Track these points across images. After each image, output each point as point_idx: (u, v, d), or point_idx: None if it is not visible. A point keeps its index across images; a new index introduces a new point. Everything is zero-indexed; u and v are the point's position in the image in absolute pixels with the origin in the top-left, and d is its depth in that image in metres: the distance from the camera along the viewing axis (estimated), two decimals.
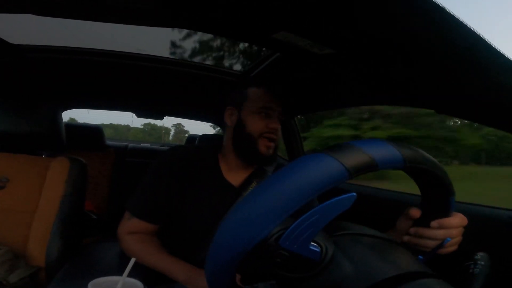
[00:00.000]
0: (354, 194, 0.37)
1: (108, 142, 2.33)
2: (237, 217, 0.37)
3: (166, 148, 2.49)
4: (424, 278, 0.41)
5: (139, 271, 0.73)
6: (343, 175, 0.37)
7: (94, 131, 2.20)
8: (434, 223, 0.54)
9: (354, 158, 0.37)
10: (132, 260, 0.65)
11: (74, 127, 2.20)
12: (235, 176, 1.01)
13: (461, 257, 0.53)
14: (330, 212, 0.37)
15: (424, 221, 0.56)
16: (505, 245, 0.88)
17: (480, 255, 0.51)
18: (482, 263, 0.49)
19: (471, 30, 0.52)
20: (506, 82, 0.61)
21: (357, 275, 0.39)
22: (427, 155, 0.45)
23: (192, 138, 2.40)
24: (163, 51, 1.37)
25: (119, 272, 0.63)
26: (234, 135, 1.00)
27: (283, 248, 0.38)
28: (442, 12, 0.50)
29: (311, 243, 0.39)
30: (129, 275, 0.63)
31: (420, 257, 0.55)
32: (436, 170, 0.45)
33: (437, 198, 0.52)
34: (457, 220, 0.55)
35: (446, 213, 0.53)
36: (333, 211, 0.37)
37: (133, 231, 0.96)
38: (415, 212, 0.57)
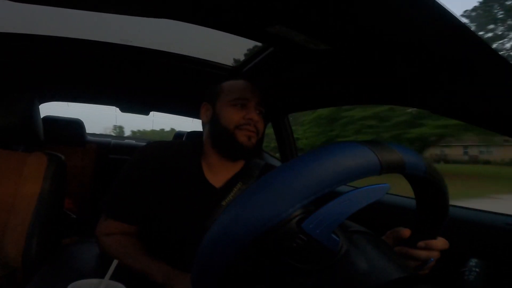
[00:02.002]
0: (388, 185, 0.38)
1: (90, 138, 2.30)
2: (263, 190, 0.36)
3: None
4: (430, 285, 0.42)
5: (122, 273, 0.72)
6: (376, 169, 0.38)
7: (74, 125, 2.17)
8: (421, 243, 0.56)
9: (388, 155, 0.39)
10: (115, 262, 0.65)
11: (53, 121, 2.16)
12: (217, 177, 0.99)
13: (455, 263, 0.54)
14: (362, 199, 0.38)
15: (410, 241, 0.58)
16: (501, 252, 0.90)
17: (474, 261, 0.52)
18: (477, 270, 0.51)
19: (471, 31, 0.53)
20: (504, 84, 0.63)
21: (370, 272, 0.40)
22: (440, 172, 0.47)
23: (180, 135, 2.38)
24: (150, 42, 1.35)
25: (101, 274, 0.62)
26: (211, 131, 0.98)
27: (303, 233, 0.38)
28: (442, 11, 0.51)
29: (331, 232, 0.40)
30: (112, 278, 0.62)
31: None
32: (444, 188, 0.47)
33: (433, 218, 0.53)
34: (441, 243, 0.58)
35: (434, 235, 0.55)
36: (365, 199, 0.38)
37: (110, 233, 0.94)
38: (406, 233, 0.59)
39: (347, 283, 0.40)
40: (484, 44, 0.55)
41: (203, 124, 1.04)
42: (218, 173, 0.99)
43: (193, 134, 1.97)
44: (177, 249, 0.92)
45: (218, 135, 0.96)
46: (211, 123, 0.99)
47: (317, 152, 0.38)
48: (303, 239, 0.39)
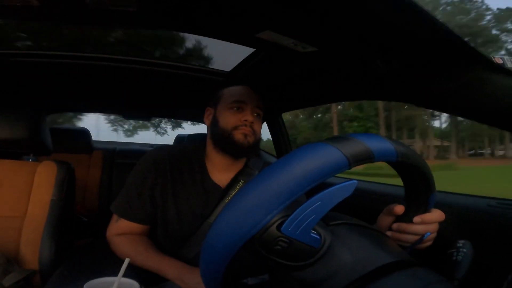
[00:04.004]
0: (355, 181, 0.38)
1: (96, 145, 2.30)
2: (242, 202, 0.37)
3: None
4: (416, 266, 0.42)
5: (134, 271, 0.72)
6: (344, 164, 0.38)
7: (81, 134, 2.17)
8: (416, 218, 0.56)
9: (354, 148, 0.39)
10: (127, 260, 0.65)
11: (60, 131, 2.15)
12: (222, 176, 1.00)
13: (444, 245, 0.54)
14: (332, 198, 0.38)
15: (405, 217, 0.57)
16: (484, 232, 0.91)
17: (462, 242, 0.53)
18: (464, 250, 0.51)
19: (445, 26, 0.53)
20: (479, 76, 0.63)
21: (355, 262, 0.40)
22: (416, 152, 0.46)
23: (181, 137, 2.38)
24: (149, 53, 1.35)
25: (114, 273, 0.62)
26: (212, 132, 1.00)
27: (284, 235, 0.39)
28: (418, 10, 0.51)
29: (311, 231, 0.40)
30: (124, 275, 0.62)
31: None
32: (422, 167, 0.46)
33: (420, 195, 0.53)
34: (436, 215, 0.57)
35: (426, 209, 0.55)
36: (335, 198, 0.38)
37: (121, 233, 0.95)
38: (399, 209, 0.58)
39: (334, 275, 0.40)
40: (459, 39, 0.56)
41: (207, 127, 1.04)
42: (222, 172, 1.00)
43: (194, 136, 1.97)
44: (185, 246, 0.93)
45: (217, 136, 0.97)
46: (212, 126, 0.99)
47: (286, 158, 0.39)
48: (286, 241, 0.39)
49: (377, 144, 0.41)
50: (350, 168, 0.38)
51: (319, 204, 0.37)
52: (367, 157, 0.40)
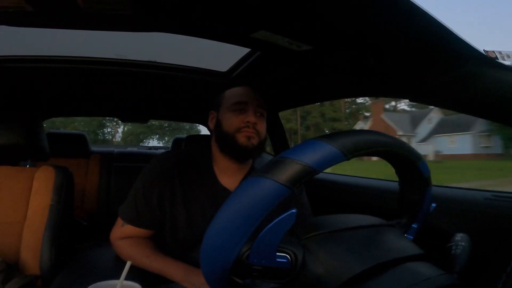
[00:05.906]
0: (294, 210, 0.39)
1: (93, 149, 2.29)
2: (208, 243, 0.40)
3: (153, 151, 2.45)
4: (412, 261, 0.42)
5: (136, 273, 0.72)
6: (283, 192, 0.37)
7: (78, 138, 2.16)
8: None
9: (287, 172, 0.37)
10: (128, 263, 0.64)
11: (57, 135, 2.15)
12: (230, 180, 0.98)
13: (442, 239, 0.54)
14: (279, 229, 0.39)
15: (405, 194, 0.57)
16: (482, 225, 0.91)
17: (460, 236, 0.53)
18: (463, 243, 0.51)
19: (437, 20, 0.53)
20: (472, 70, 0.63)
21: (328, 275, 0.41)
22: (371, 136, 0.44)
23: (179, 139, 2.38)
24: (144, 55, 1.35)
25: (116, 276, 0.62)
26: (216, 136, 0.98)
27: (254, 264, 0.40)
28: (410, 6, 0.51)
29: (279, 254, 0.41)
30: (126, 278, 0.62)
31: (415, 225, 0.57)
32: (383, 148, 0.45)
33: (408, 171, 0.53)
34: None
35: (422, 177, 0.53)
36: (282, 228, 0.39)
37: (126, 237, 0.94)
38: None
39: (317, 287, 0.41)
40: (451, 33, 0.56)
41: (211, 131, 1.03)
42: (230, 175, 0.99)
43: (191, 138, 1.97)
44: (195, 249, 0.92)
45: (221, 139, 0.95)
46: (216, 129, 0.98)
47: (230, 199, 0.39)
48: (258, 268, 0.41)
49: (313, 153, 0.38)
50: (294, 190, 0.38)
51: (270, 237, 0.39)
52: (308, 173, 0.38)
